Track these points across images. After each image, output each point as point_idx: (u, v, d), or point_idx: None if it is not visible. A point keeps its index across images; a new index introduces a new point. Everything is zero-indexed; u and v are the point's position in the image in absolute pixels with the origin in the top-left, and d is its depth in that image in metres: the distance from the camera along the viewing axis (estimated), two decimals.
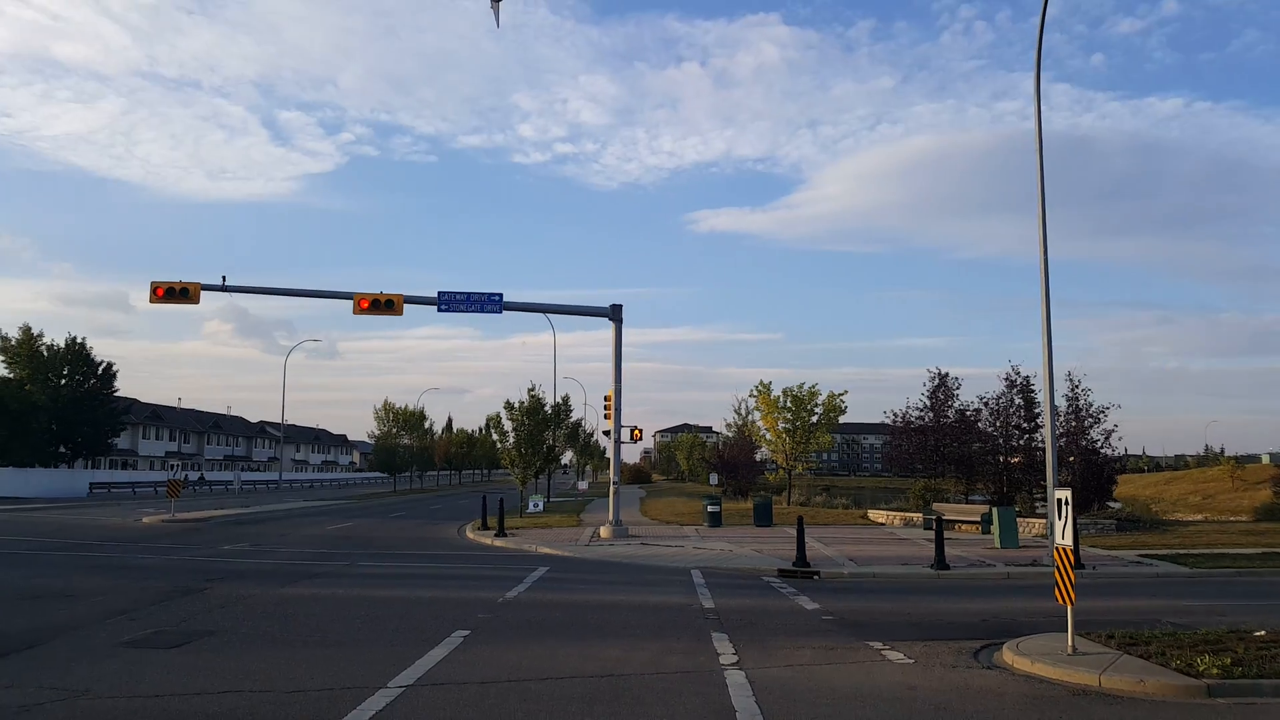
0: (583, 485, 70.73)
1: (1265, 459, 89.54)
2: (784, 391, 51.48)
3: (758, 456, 65.75)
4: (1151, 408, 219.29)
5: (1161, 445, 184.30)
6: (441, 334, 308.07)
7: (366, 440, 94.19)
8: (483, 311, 29.79)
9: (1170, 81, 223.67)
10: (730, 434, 70.20)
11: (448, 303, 29.55)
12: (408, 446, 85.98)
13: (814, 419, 51.06)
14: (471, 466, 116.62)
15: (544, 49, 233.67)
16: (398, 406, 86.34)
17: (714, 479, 58.30)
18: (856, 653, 11.42)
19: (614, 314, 31.45)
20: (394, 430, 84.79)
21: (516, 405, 37.88)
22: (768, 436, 54.17)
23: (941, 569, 20.53)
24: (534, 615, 14.27)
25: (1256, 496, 60.69)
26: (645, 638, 12.27)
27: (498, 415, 43.32)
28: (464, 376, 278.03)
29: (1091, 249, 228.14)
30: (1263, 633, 11.65)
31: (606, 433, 32.85)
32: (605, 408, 31.87)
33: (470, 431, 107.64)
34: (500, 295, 29.92)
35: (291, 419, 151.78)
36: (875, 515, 39.70)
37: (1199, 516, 57.91)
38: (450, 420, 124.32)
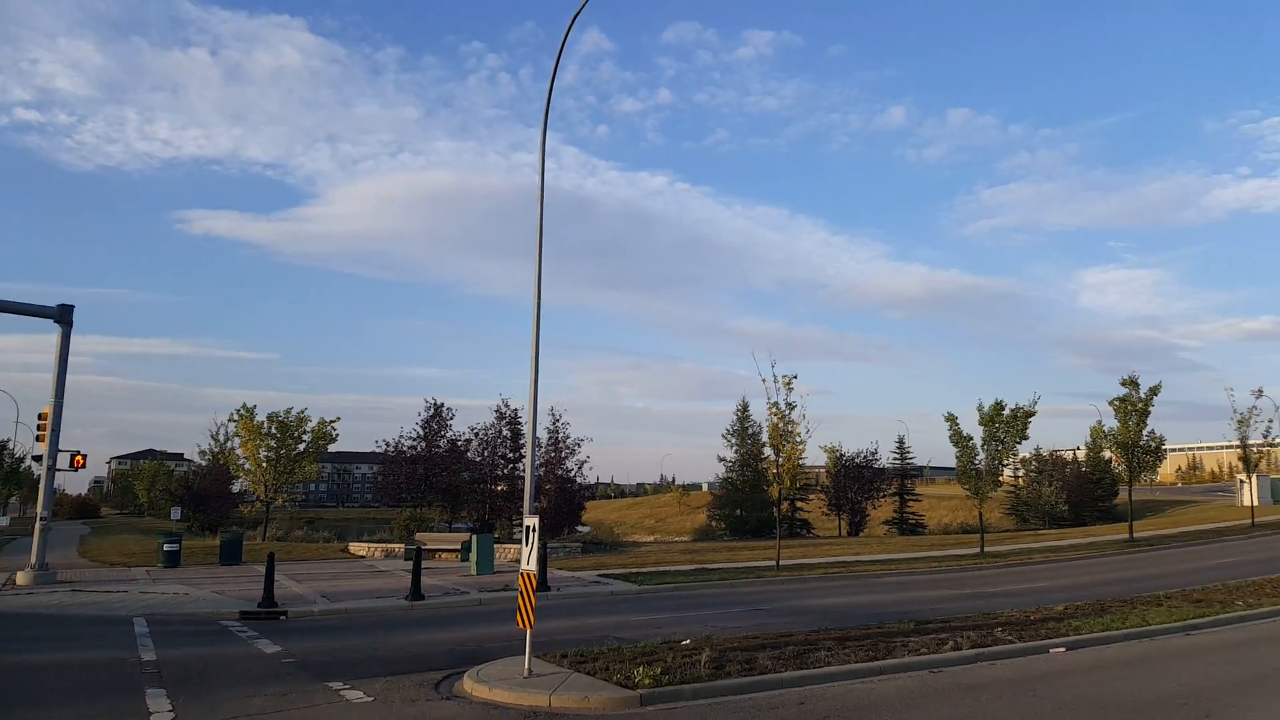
0: (2, 521, 59.41)
1: (705, 487, 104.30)
2: (269, 417, 48.11)
3: (235, 488, 60.79)
4: (623, 440, 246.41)
5: (628, 474, 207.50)
6: None
7: None
8: None
9: (659, 160, 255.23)
10: (204, 462, 63.89)
11: None
12: None
13: (301, 447, 48.47)
14: None
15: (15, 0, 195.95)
16: None
17: (176, 513, 52.71)
18: (314, 696, 10.70)
19: (62, 315, 26.66)
20: None
21: None
22: (247, 466, 50.16)
23: (417, 599, 20.41)
24: None
25: (697, 519, 70.63)
26: (60, 704, 10.30)
27: None
28: None
29: (584, 296, 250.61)
30: (688, 641, 13.26)
31: (38, 457, 27.75)
32: (39, 428, 26.89)
33: None
34: None
35: None
36: (356, 548, 38.63)
37: (652, 538, 65.80)
38: None
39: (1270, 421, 45.23)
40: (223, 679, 11.87)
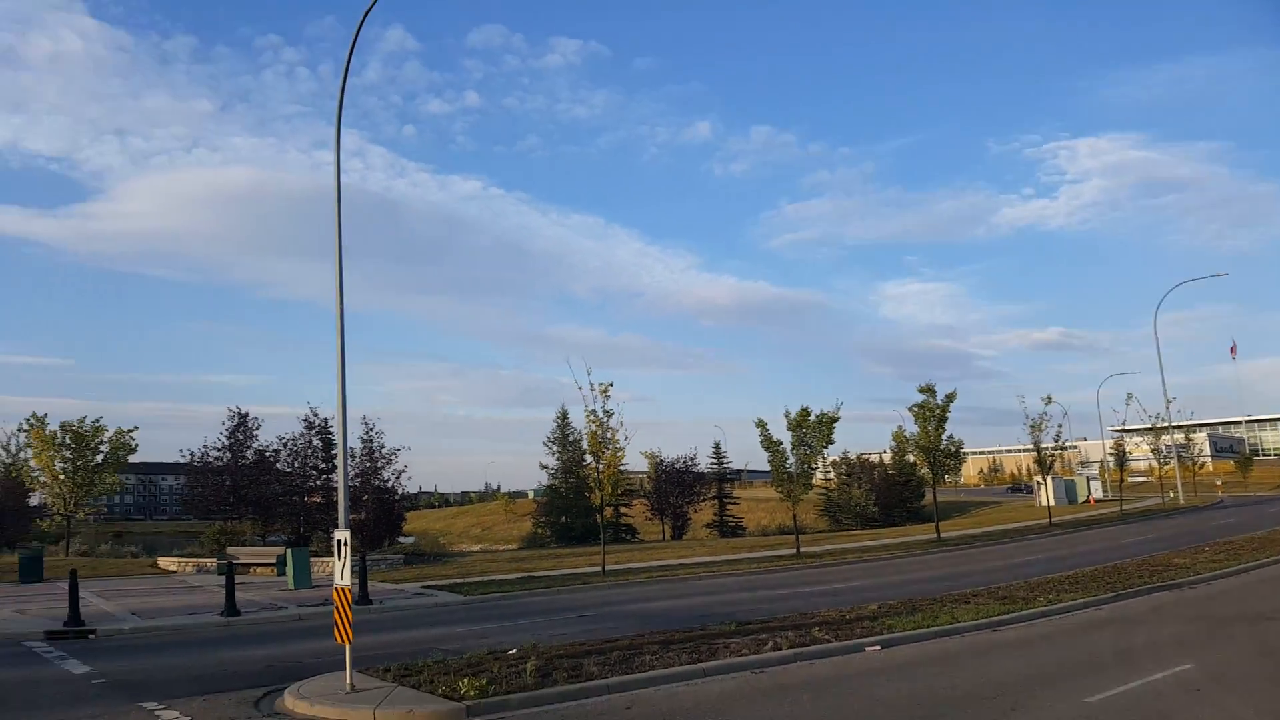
0: None
1: (530, 494, 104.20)
2: (62, 426, 44.93)
3: (32, 501, 56.33)
4: (444, 449, 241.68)
5: (451, 483, 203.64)
6: None
7: None
8: None
9: (471, 164, 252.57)
10: None
11: None
12: None
13: (99, 458, 45.47)
14: None
15: None
16: None
17: None
18: (127, 718, 10.45)
19: None
20: None
21: None
22: (43, 479, 46.67)
23: (232, 615, 19.83)
24: None
25: (523, 527, 70.65)
26: None
27: None
28: None
29: (398, 302, 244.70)
30: (514, 651, 13.51)
31: None
32: None
33: None
34: None
35: None
36: (166, 563, 36.67)
37: (478, 547, 65.32)
38: None
39: (1060, 426, 49.09)
40: (27, 703, 11.37)
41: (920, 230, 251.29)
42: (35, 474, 47.54)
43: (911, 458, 50.33)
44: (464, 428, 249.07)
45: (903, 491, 65.44)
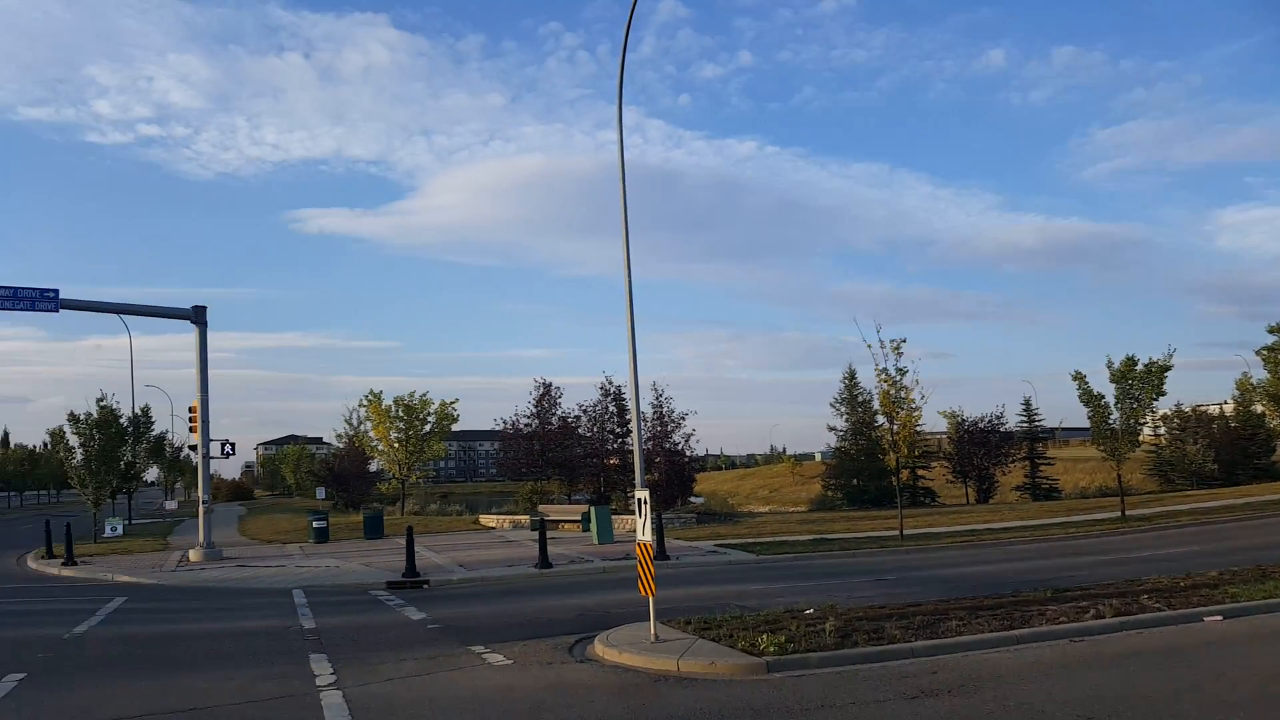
0: (171, 505, 64.27)
1: (817, 457, 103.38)
2: (395, 401, 50.83)
3: (371, 467, 64.14)
4: (727, 412, 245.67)
5: (736, 445, 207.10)
6: None
7: None
8: (34, 310, 25.97)
9: (746, 125, 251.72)
10: (341, 445, 67.34)
11: None
12: None
13: (426, 428, 50.83)
14: (36, 487, 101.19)
15: (126, 20, 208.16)
16: None
17: (321, 493, 56.05)
18: (459, 659, 11.50)
19: (197, 316, 28.88)
20: None
21: (83, 418, 33.26)
22: (380, 447, 52.99)
23: (545, 568, 21.36)
24: (106, 651, 12.76)
25: (811, 489, 70.31)
26: (235, 667, 11.39)
27: (60, 429, 38.17)
28: (26, 384, 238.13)
29: (680, 271, 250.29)
30: (811, 610, 13.41)
31: (193, 447, 30.03)
32: (191, 419, 29.11)
33: (32, 447, 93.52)
34: (56, 291, 26.21)
35: None
36: (486, 520, 40.32)
37: (767, 508, 65.90)
38: (6, 434, 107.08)
39: None
40: (375, 644, 12.84)
41: (1263, 146, 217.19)
42: (374, 443, 54.09)
43: (1260, 408, 44.48)
44: (746, 391, 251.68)
45: (1248, 446, 57.69)
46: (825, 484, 61.60)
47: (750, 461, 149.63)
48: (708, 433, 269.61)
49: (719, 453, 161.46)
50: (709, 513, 39.36)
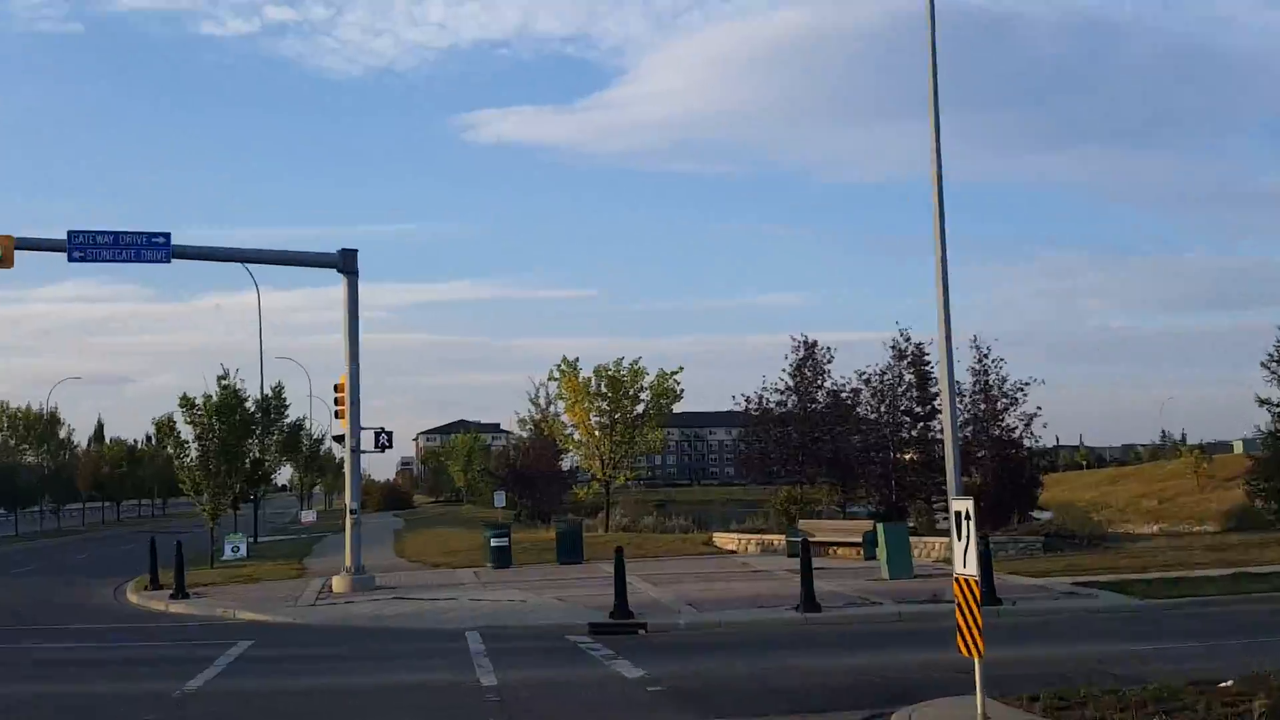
0: (308, 516, 69.07)
1: (1238, 447, 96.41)
2: (596, 371, 51.48)
3: (564, 464, 66.07)
4: (1092, 381, 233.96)
5: (1103, 432, 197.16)
6: (90, 294, 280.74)
7: None
8: (140, 260, 28.24)
9: None
10: (525, 433, 70.02)
11: (83, 248, 27.41)
12: (34, 467, 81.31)
13: (639, 408, 51.48)
14: (137, 494, 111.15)
15: None
16: (14, 407, 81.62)
17: (500, 499, 58.12)
18: None
19: (346, 263, 30.37)
20: (12, 443, 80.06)
21: (200, 401, 36.09)
22: (576, 436, 54.24)
23: (811, 611, 21.21)
24: (225, 711, 13.77)
25: (1227, 497, 66.12)
26: None
27: (168, 418, 41.37)
28: (125, 358, 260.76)
29: (1011, 167, 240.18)
30: (1229, 683, 12.55)
31: (339, 438, 31.92)
32: (337, 401, 30.89)
33: (132, 442, 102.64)
34: (167, 236, 28.36)
35: None
36: (723, 540, 40.72)
37: (1154, 527, 62.77)
38: (101, 426, 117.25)
39: None
40: (576, 711, 13.25)
41: None
42: (567, 430, 55.17)
43: None
44: (1119, 347, 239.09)
45: None
46: (1251, 489, 58.00)
47: (1127, 456, 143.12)
48: (1057, 412, 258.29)
49: (1076, 443, 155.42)
50: (1061, 534, 37.86)
